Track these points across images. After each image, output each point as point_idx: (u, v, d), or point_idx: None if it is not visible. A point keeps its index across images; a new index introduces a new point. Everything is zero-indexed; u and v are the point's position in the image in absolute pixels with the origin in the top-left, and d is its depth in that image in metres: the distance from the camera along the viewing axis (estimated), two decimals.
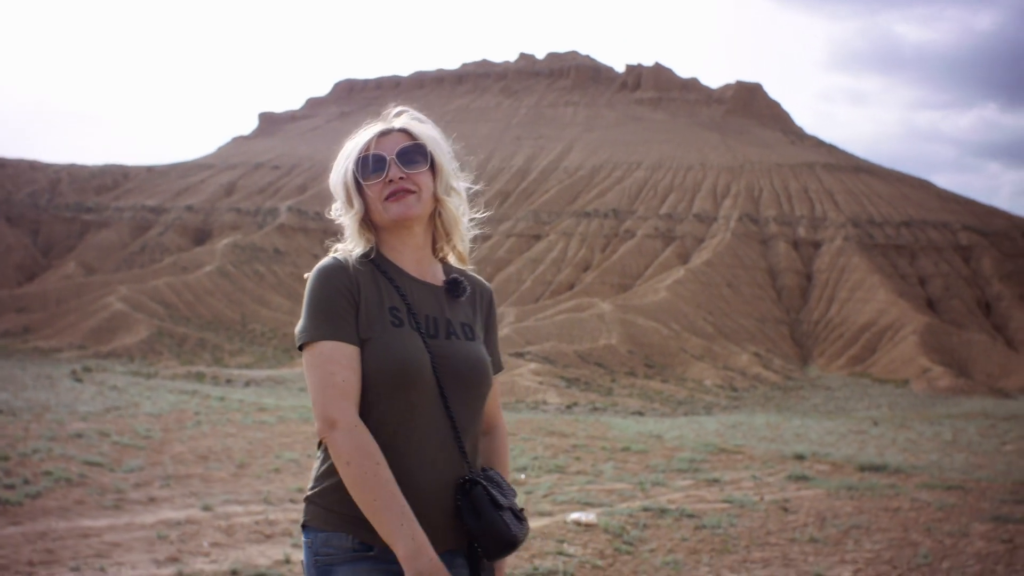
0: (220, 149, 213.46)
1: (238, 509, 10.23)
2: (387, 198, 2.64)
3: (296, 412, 25.68)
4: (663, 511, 11.12)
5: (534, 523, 10.13)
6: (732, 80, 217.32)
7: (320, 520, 2.61)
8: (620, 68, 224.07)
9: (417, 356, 2.57)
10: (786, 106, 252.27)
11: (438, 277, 2.77)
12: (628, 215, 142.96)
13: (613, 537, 9.43)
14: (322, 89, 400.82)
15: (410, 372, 2.55)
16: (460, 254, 2.84)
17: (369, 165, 2.66)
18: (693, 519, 10.69)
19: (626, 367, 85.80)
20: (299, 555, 8.02)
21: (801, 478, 14.81)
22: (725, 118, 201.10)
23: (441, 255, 2.83)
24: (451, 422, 2.60)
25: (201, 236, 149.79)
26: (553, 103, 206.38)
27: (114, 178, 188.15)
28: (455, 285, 2.74)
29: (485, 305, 2.84)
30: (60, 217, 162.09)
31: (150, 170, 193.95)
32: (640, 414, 51.60)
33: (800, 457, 18.65)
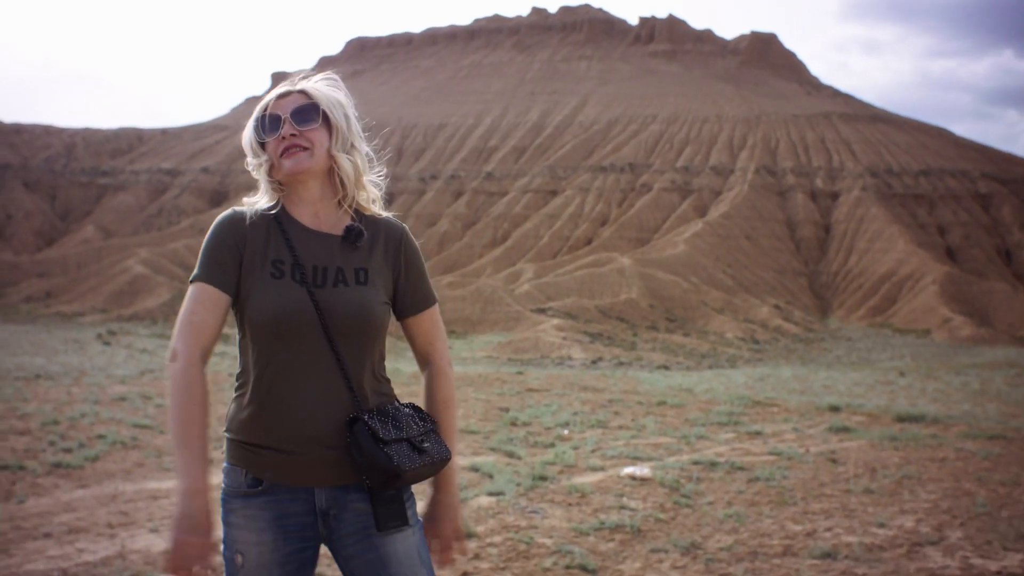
0: (234, 110, 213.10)
1: None
2: (281, 154, 2.80)
3: None
4: (713, 464, 11.22)
5: (587, 477, 10.24)
6: (746, 31, 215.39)
7: (227, 453, 2.81)
8: (633, 21, 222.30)
9: (292, 306, 2.71)
10: (800, 57, 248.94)
11: (339, 227, 2.88)
12: (644, 169, 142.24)
13: (670, 491, 9.52)
14: (334, 48, 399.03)
15: (283, 322, 2.70)
16: (361, 206, 2.92)
17: (266, 124, 2.82)
18: (744, 472, 10.79)
19: (647, 321, 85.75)
20: None
21: (842, 429, 14.87)
22: (740, 69, 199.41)
23: (349, 204, 2.91)
24: (340, 366, 2.73)
25: (218, 197, 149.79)
26: (566, 57, 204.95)
27: (129, 141, 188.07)
28: (349, 232, 2.85)
29: (394, 245, 2.93)
30: (76, 182, 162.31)
31: (164, 132, 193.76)
32: (665, 368, 51.71)
33: (835, 408, 18.70)
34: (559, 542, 7.22)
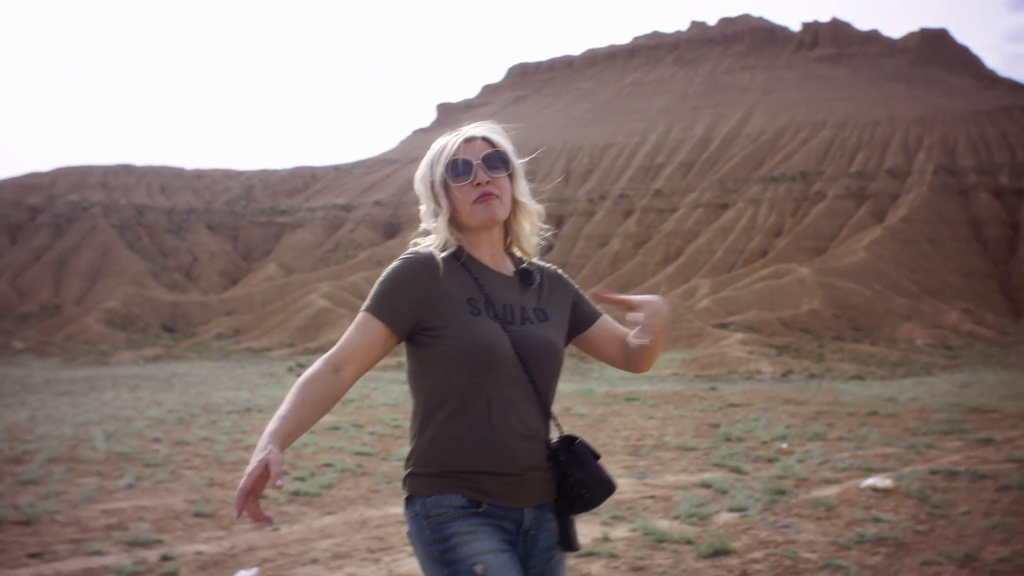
0: (402, 143, 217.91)
1: None
2: (475, 200, 2.87)
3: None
4: (953, 473, 10.77)
5: (826, 491, 9.96)
6: (914, 28, 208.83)
7: (425, 487, 2.85)
8: (796, 27, 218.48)
9: (496, 340, 2.82)
10: (974, 51, 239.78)
11: (509, 268, 3.01)
12: (817, 177, 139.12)
13: (919, 502, 9.17)
14: (496, 75, 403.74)
15: (491, 354, 2.80)
16: (525, 251, 3.05)
17: (459, 169, 2.88)
18: (990, 480, 10.32)
19: (832, 332, 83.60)
20: (609, 532, 8.05)
21: None
22: (911, 68, 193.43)
23: (509, 250, 3.05)
24: (537, 395, 2.88)
25: (391, 230, 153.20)
26: (729, 69, 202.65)
27: (304, 180, 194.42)
28: (526, 275, 3.00)
29: (559, 285, 3.08)
30: (256, 222, 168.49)
31: (337, 169, 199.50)
32: (860, 378, 50.29)
33: None
34: (824, 556, 7.00)
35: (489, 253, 2.97)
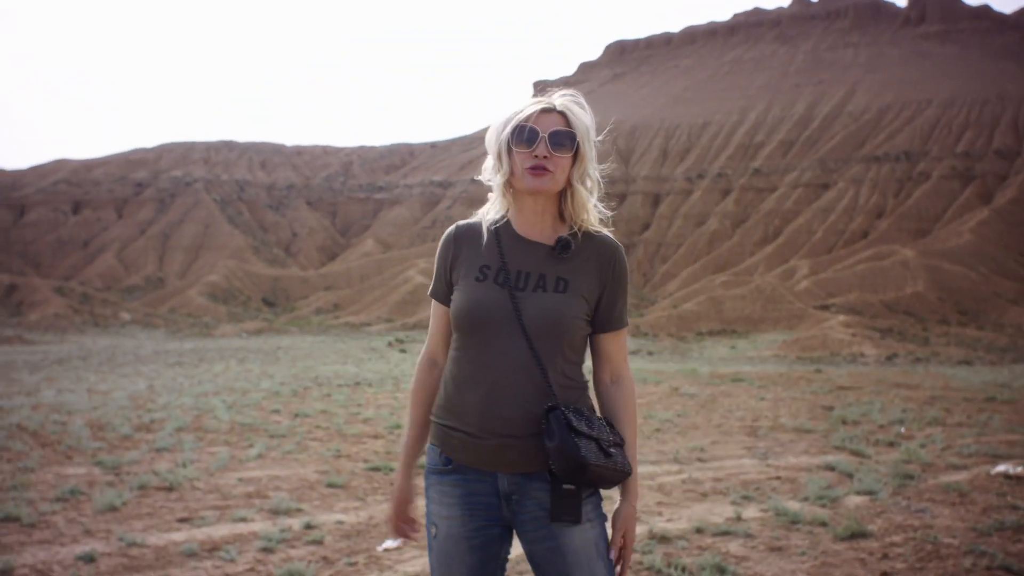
0: None
1: (656, 469, 10.40)
2: (528, 168, 2.88)
3: (646, 375, 25.93)
4: None
5: (955, 476, 9.81)
6: None
7: (430, 433, 3.05)
8: (902, 3, 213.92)
9: (485, 304, 2.89)
10: None
11: (553, 238, 2.99)
12: (921, 156, 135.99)
13: None
14: (594, 53, 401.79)
15: (475, 317, 2.88)
16: (583, 222, 3.01)
17: (524, 135, 2.89)
18: None
19: (937, 315, 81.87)
20: (741, 511, 8.07)
21: None
22: (1022, 45, 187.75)
23: (571, 222, 3.02)
24: (536, 360, 2.84)
25: None
26: (832, 46, 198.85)
27: (401, 157, 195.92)
28: (563, 244, 2.96)
29: (606, 260, 3.00)
30: (355, 198, 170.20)
31: (434, 146, 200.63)
32: (967, 363, 49.27)
33: None
34: (965, 542, 6.92)
35: (530, 220, 2.99)
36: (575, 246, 2.96)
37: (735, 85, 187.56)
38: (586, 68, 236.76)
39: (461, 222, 3.10)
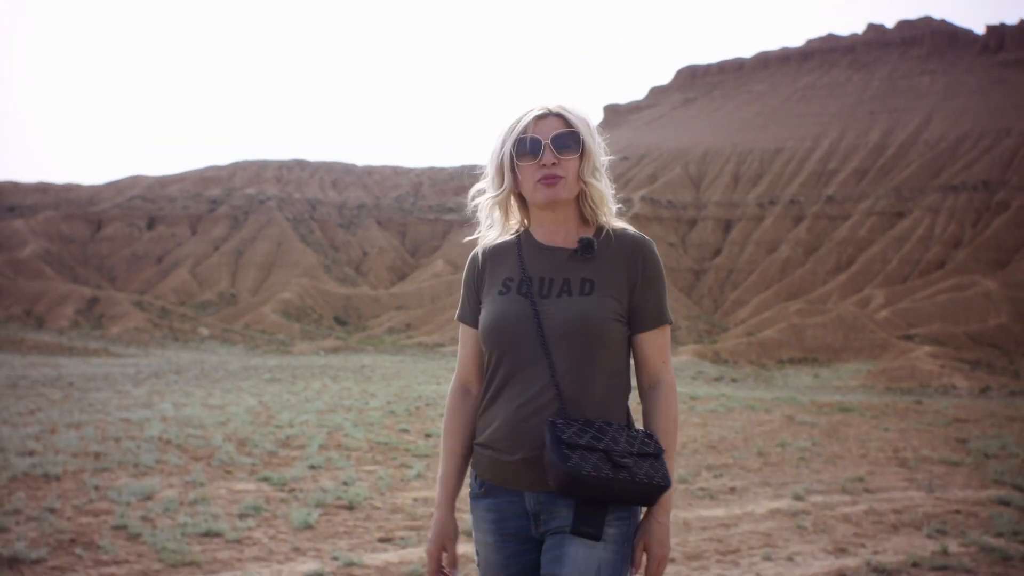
0: None
1: (830, 499, 10.21)
2: (539, 180, 2.80)
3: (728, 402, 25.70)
4: None
5: None
6: None
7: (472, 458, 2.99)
8: (979, 30, 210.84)
9: (508, 317, 2.81)
10: None
11: (574, 241, 2.89)
12: (1000, 186, 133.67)
13: None
14: (664, 77, 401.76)
15: (498, 331, 2.80)
16: (598, 222, 2.92)
17: (527, 146, 2.81)
18: None
19: (1023, 348, 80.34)
20: (945, 546, 7.87)
21: None
22: None
23: (594, 221, 2.92)
24: (552, 373, 2.74)
25: None
26: (907, 73, 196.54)
27: (471, 178, 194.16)
28: (585, 246, 2.85)
29: (632, 257, 2.87)
30: (424, 219, 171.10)
31: None
32: None
33: None
34: None
35: (551, 229, 2.90)
36: (598, 245, 2.87)
37: (808, 111, 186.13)
38: (657, 92, 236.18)
39: (486, 243, 3.00)
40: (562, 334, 2.76)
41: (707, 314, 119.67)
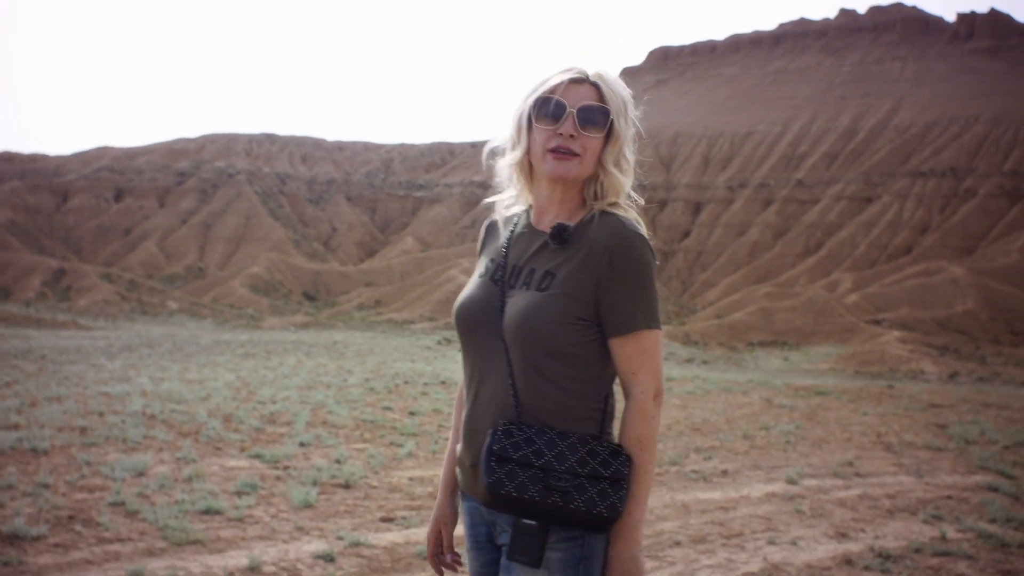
0: None
1: (824, 483, 10.26)
2: (551, 150, 2.48)
3: (721, 384, 25.81)
4: None
5: None
6: None
7: None
8: (950, 17, 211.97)
9: (474, 303, 2.57)
10: None
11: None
12: (968, 173, 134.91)
13: None
14: (637, 58, 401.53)
15: (461, 318, 2.58)
16: (599, 206, 2.55)
17: (549, 109, 2.49)
18: None
19: (988, 334, 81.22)
20: (943, 531, 7.92)
21: None
22: None
23: (598, 206, 2.55)
24: (509, 372, 2.46)
25: None
26: (879, 59, 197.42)
27: (441, 155, 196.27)
28: (557, 233, 2.51)
29: (599, 249, 2.46)
30: (394, 195, 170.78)
31: (474, 146, 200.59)
32: None
33: None
34: None
35: (542, 207, 2.59)
36: (574, 233, 2.52)
37: (779, 95, 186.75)
38: (629, 73, 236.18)
39: (501, 211, 2.72)
40: (510, 330, 2.47)
41: (675, 295, 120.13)
